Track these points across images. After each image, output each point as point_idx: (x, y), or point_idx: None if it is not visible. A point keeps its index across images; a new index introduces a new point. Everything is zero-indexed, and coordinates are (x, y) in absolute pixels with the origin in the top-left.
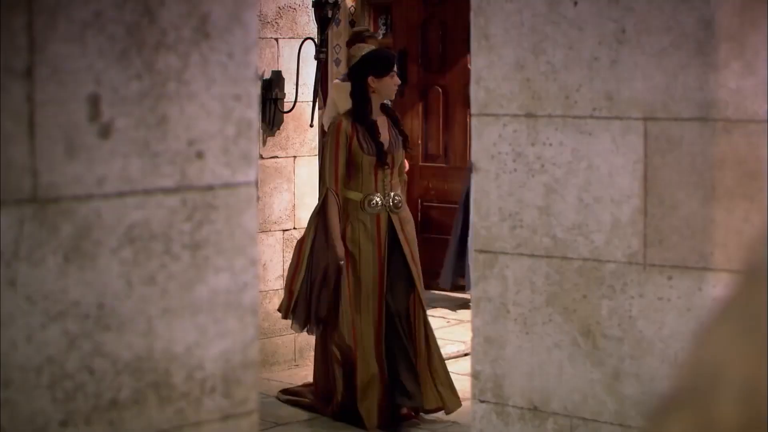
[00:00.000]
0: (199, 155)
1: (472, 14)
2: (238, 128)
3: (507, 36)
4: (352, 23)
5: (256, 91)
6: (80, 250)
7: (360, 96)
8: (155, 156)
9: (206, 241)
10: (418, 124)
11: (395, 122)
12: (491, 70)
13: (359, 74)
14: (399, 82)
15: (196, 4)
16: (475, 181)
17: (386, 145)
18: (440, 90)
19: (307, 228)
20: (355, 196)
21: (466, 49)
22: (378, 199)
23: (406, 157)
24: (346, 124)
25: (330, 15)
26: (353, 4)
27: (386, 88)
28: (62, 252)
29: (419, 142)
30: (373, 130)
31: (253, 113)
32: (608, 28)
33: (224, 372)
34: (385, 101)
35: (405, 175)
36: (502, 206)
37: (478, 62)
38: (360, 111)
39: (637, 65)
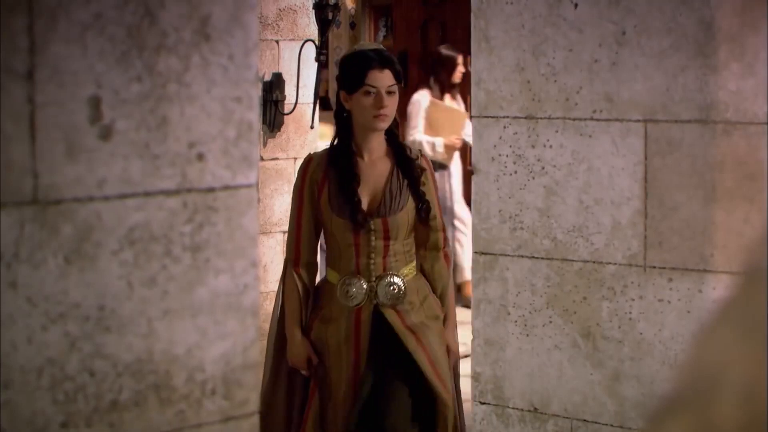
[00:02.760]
0: (200, 157)
1: (472, 16)
2: (238, 130)
3: (507, 38)
4: (352, 25)
5: (256, 93)
6: (81, 252)
7: (338, 120)
8: (156, 158)
9: (207, 242)
10: None
11: (406, 167)
12: (491, 71)
13: (337, 87)
14: (384, 104)
15: (197, 6)
16: (476, 183)
17: (369, 203)
18: None
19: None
20: (332, 277)
21: (467, 50)
22: (358, 287)
23: (427, 227)
24: (315, 165)
25: (330, 17)
26: (354, 5)
27: (359, 111)
28: (63, 254)
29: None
30: (347, 175)
31: (254, 115)
32: (608, 30)
33: (225, 374)
34: (387, 128)
35: (443, 252)
36: (503, 208)
37: (478, 64)
38: (335, 144)
39: (637, 67)
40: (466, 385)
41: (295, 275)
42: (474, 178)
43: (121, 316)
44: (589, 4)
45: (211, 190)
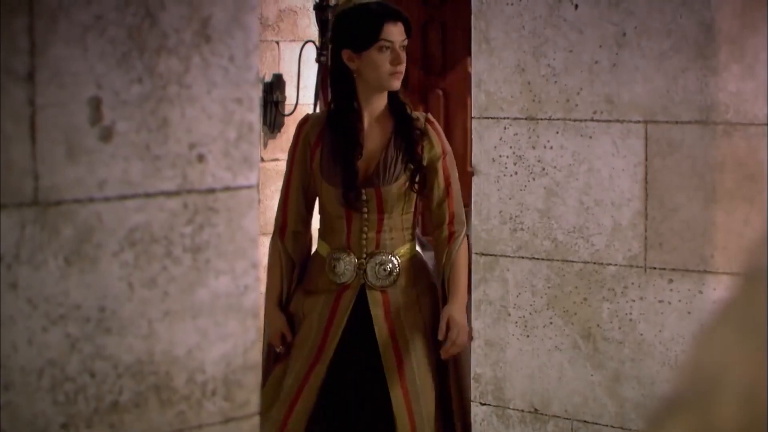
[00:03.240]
0: (200, 158)
1: (472, 17)
2: (239, 131)
3: (507, 39)
4: None
5: (257, 94)
6: (81, 253)
7: (337, 82)
8: (156, 159)
9: (207, 244)
10: None
11: (407, 133)
12: (492, 73)
13: (335, 46)
14: (402, 59)
15: (197, 8)
16: (476, 184)
17: (364, 170)
18: (441, 93)
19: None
20: (322, 249)
21: (467, 51)
22: (347, 262)
23: (424, 201)
24: (310, 126)
25: (331, 18)
26: None
27: (372, 69)
28: (63, 255)
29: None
30: (349, 141)
31: (255, 116)
32: (609, 31)
33: (225, 375)
34: (390, 91)
35: (446, 228)
36: (503, 209)
37: (478, 65)
38: (333, 107)
39: (637, 68)
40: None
41: (280, 245)
42: (474, 179)
43: (121, 318)
44: (590, 6)
45: (211, 191)
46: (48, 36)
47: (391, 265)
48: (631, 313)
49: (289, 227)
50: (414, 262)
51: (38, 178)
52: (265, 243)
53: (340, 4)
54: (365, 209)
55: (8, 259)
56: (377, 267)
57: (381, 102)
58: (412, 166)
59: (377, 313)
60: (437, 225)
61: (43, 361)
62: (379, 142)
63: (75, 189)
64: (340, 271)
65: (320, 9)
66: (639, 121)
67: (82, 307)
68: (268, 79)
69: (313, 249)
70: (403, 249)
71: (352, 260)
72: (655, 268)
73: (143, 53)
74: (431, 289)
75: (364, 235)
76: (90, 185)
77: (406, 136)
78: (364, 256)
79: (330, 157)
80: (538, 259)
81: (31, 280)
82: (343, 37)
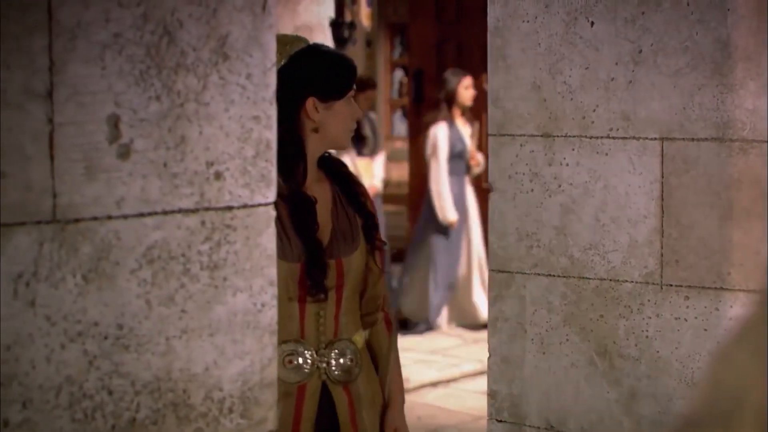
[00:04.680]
0: (218, 176)
1: (489, 35)
2: (256, 149)
3: (524, 56)
4: (368, 43)
5: (274, 112)
6: (99, 271)
7: (290, 140)
8: (174, 177)
9: (225, 261)
10: None
11: (349, 191)
12: (508, 90)
13: (294, 93)
14: (359, 113)
15: (215, 26)
16: (492, 201)
17: (327, 241)
18: None
19: None
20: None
21: (482, 68)
22: (303, 357)
23: (378, 262)
24: None
25: (347, 35)
26: (369, 24)
27: (338, 123)
28: (81, 272)
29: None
30: (302, 207)
31: (272, 134)
32: (625, 48)
33: (242, 392)
34: (330, 151)
35: (381, 313)
36: (519, 226)
37: (495, 82)
38: (286, 171)
39: (653, 85)
40: (482, 403)
41: None
42: (491, 196)
43: (139, 335)
44: (606, 23)
45: (229, 208)
46: (66, 54)
47: (351, 356)
48: (647, 330)
49: None
50: (365, 352)
51: (56, 195)
52: None
53: (285, 47)
54: (321, 289)
55: (26, 277)
56: (339, 358)
57: (317, 162)
58: (369, 225)
59: (344, 418)
60: (372, 309)
61: (61, 378)
62: (325, 207)
63: (93, 207)
64: (295, 364)
65: (336, 26)
66: (655, 138)
67: (100, 324)
68: None
69: None
70: (358, 336)
71: (310, 353)
72: (671, 285)
73: (161, 71)
74: (381, 385)
75: (322, 320)
76: (108, 203)
77: (350, 195)
78: (323, 346)
79: (287, 227)
80: (554, 276)
81: (49, 298)
82: (310, 83)
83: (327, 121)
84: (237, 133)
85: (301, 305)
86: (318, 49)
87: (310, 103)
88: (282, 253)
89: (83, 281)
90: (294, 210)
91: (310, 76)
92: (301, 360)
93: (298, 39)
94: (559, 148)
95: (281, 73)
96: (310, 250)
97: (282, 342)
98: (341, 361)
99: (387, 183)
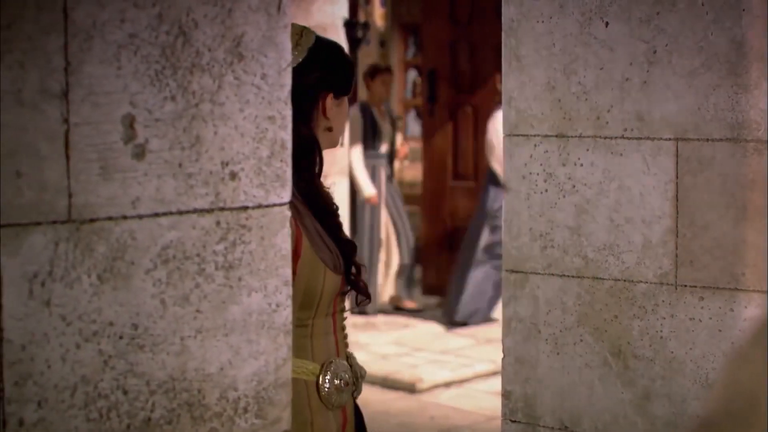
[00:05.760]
0: (233, 176)
1: (503, 35)
2: (271, 149)
3: (538, 56)
4: (382, 43)
5: (289, 112)
6: (114, 271)
7: (306, 138)
8: (189, 177)
9: (240, 261)
10: (448, 144)
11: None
12: (522, 90)
13: (311, 88)
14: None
15: (231, 26)
16: (507, 201)
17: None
18: (470, 109)
19: None
20: (303, 371)
21: (495, 68)
22: (345, 373)
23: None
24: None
25: (360, 35)
26: (383, 24)
27: (343, 121)
28: (96, 272)
29: (449, 160)
30: (328, 213)
31: (287, 134)
32: (639, 48)
33: (257, 392)
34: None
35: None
36: (533, 226)
37: (509, 83)
38: (305, 173)
39: (668, 86)
40: (496, 402)
41: None
42: (505, 197)
43: (154, 335)
44: (620, 23)
45: (244, 208)
46: (82, 55)
47: (363, 367)
48: (661, 331)
49: None
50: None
51: (72, 195)
52: None
53: (300, 38)
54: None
55: (42, 277)
56: (360, 370)
57: None
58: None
59: None
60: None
61: (76, 378)
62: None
63: (108, 207)
64: (340, 384)
65: (350, 26)
66: (670, 139)
67: (115, 324)
68: None
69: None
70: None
71: (345, 371)
72: (686, 286)
73: (176, 71)
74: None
75: (345, 332)
76: (123, 203)
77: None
78: (350, 360)
79: (320, 240)
80: (568, 276)
81: (64, 298)
82: (330, 78)
83: (336, 121)
84: (252, 133)
85: (334, 318)
86: (333, 43)
87: (329, 100)
88: (333, 266)
89: (98, 281)
90: (318, 214)
91: (330, 72)
92: (343, 380)
93: (306, 29)
94: (574, 149)
95: (299, 67)
96: (347, 254)
97: (328, 362)
98: (360, 372)
99: (400, 183)
